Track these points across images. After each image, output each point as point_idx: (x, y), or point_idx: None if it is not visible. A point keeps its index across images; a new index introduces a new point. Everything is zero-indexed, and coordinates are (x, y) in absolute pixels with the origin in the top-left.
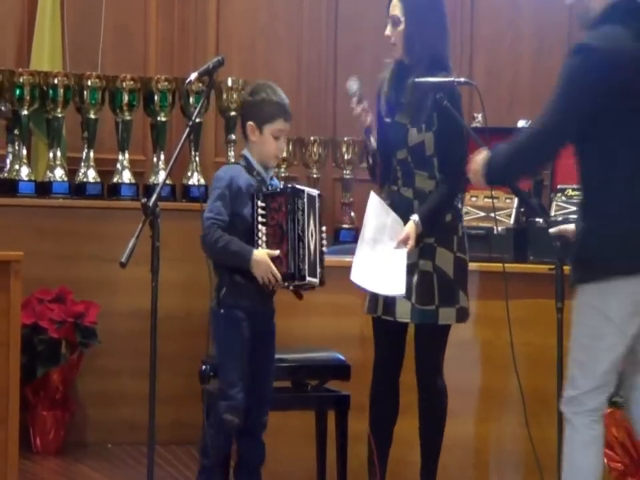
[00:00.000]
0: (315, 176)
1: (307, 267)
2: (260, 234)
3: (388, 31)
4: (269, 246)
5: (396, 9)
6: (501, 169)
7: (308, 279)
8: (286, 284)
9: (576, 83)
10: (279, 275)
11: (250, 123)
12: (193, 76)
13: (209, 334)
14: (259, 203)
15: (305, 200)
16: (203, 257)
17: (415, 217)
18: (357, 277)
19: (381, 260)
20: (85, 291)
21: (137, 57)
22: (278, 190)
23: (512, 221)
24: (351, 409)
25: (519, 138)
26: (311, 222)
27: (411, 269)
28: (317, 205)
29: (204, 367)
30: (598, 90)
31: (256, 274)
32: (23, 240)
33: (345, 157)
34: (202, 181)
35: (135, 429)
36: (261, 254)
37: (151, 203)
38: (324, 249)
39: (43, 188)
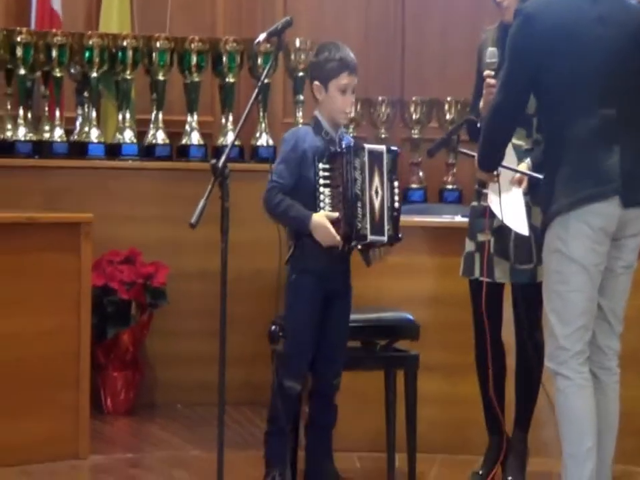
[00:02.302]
0: (383, 136)
1: (367, 226)
2: (322, 196)
3: None
4: (332, 208)
5: None
6: (485, 149)
7: (370, 237)
8: (353, 245)
9: (513, 45)
10: (338, 238)
11: (315, 82)
12: (262, 37)
13: (278, 294)
14: (320, 166)
15: (365, 157)
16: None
17: (528, 160)
18: (494, 206)
19: (506, 198)
20: (154, 252)
21: (205, 18)
22: (338, 150)
23: None
24: (420, 369)
25: (487, 114)
26: (375, 179)
27: (507, 230)
28: (385, 160)
29: (273, 327)
30: (533, 48)
31: (317, 238)
32: (92, 202)
33: (414, 116)
34: (270, 142)
35: (204, 390)
36: (319, 217)
37: (220, 164)
38: (396, 204)
39: (113, 150)
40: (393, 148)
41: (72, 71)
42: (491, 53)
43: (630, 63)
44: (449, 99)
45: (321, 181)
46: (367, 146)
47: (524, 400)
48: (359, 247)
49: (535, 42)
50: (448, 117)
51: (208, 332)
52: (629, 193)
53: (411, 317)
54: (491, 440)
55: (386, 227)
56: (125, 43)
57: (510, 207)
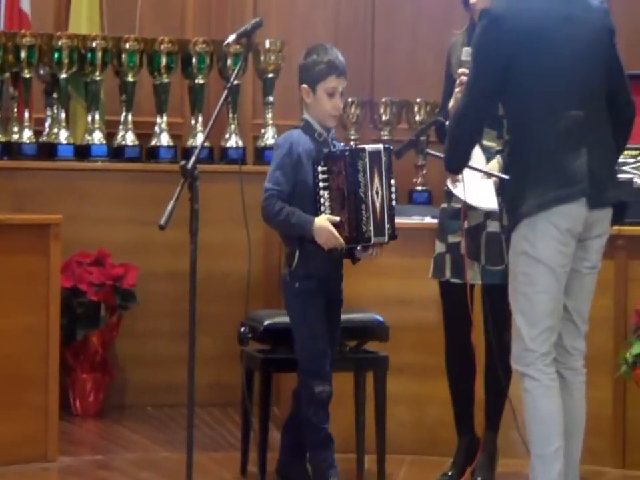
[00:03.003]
0: (352, 137)
1: (371, 228)
2: (322, 200)
3: None
4: (332, 211)
5: None
6: (452, 151)
7: (374, 239)
8: (357, 247)
9: (480, 47)
10: (341, 241)
11: (303, 85)
12: (231, 38)
13: (247, 295)
14: (319, 169)
15: (367, 159)
16: (241, 219)
17: (498, 157)
18: (458, 190)
19: (474, 183)
20: (124, 254)
21: (175, 18)
22: (338, 152)
23: None
24: (390, 370)
25: (453, 116)
26: (375, 179)
27: (478, 230)
28: (383, 159)
29: (242, 328)
30: (501, 50)
31: (319, 242)
32: (62, 203)
33: (383, 117)
34: (240, 143)
35: (174, 391)
36: (322, 221)
37: (189, 166)
38: (393, 203)
39: (82, 151)
40: (387, 146)
41: (41, 72)
42: (467, 52)
43: (595, 64)
44: (418, 100)
45: (321, 184)
46: (367, 147)
47: (493, 401)
48: (358, 247)
49: (503, 44)
50: (418, 118)
51: (177, 333)
52: (596, 194)
53: (380, 318)
54: (460, 441)
55: (386, 227)
56: (94, 44)
57: (476, 187)
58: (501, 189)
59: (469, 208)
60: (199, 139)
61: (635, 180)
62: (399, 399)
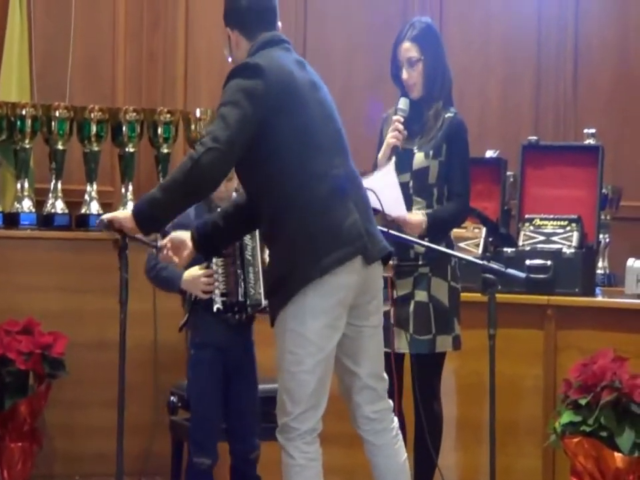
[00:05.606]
0: None
1: (261, 290)
2: (214, 267)
3: (405, 75)
4: (226, 277)
5: (412, 51)
6: (166, 205)
7: (264, 302)
8: (249, 312)
9: (253, 89)
10: (211, 282)
11: None
12: None
13: (177, 364)
14: None
15: None
16: None
17: (425, 212)
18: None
19: (378, 184)
20: (53, 322)
21: (105, 86)
22: None
23: (480, 250)
24: (323, 440)
25: (179, 172)
26: None
27: (406, 300)
28: None
29: (172, 397)
30: (265, 101)
31: (190, 291)
32: None
33: None
34: None
35: (103, 461)
36: (189, 271)
37: (119, 235)
38: None
39: (11, 219)
40: None
41: None
42: (404, 102)
43: (339, 123)
44: None
45: None
46: None
47: (423, 471)
48: (256, 313)
49: (269, 96)
50: None
51: (107, 402)
52: (371, 248)
53: None
54: None
55: None
56: (23, 112)
57: (387, 196)
58: (434, 260)
59: (395, 277)
60: (129, 207)
61: (564, 250)
62: (327, 469)
